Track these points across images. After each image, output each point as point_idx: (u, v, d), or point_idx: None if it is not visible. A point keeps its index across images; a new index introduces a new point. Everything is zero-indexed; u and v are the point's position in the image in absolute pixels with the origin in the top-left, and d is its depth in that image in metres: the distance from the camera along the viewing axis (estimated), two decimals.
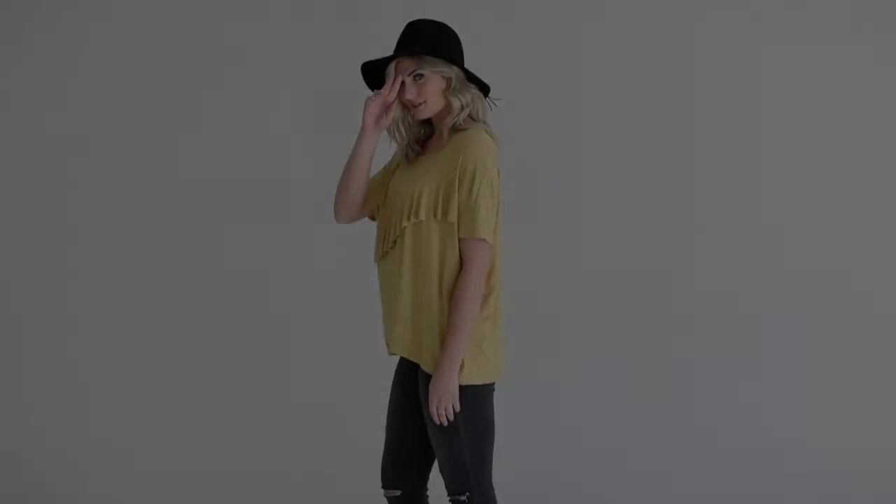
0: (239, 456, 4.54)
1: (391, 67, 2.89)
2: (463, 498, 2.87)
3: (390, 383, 3.07)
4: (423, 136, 3.02)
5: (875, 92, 4.55)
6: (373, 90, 2.98)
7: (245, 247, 4.60)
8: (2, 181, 4.62)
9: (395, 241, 2.91)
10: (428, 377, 2.85)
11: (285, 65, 4.58)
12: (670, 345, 4.56)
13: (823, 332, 4.54)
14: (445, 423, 2.81)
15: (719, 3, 4.57)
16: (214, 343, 4.61)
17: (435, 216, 2.84)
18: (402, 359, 3.02)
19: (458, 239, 2.83)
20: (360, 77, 2.99)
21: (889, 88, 4.54)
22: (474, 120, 2.91)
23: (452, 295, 2.81)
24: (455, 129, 2.90)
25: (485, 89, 2.94)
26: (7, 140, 4.62)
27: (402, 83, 2.89)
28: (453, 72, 2.88)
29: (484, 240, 2.81)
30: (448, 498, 2.92)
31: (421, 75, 2.86)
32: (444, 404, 2.80)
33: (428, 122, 3.00)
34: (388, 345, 2.98)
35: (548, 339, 4.53)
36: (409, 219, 2.86)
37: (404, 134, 2.98)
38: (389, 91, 2.90)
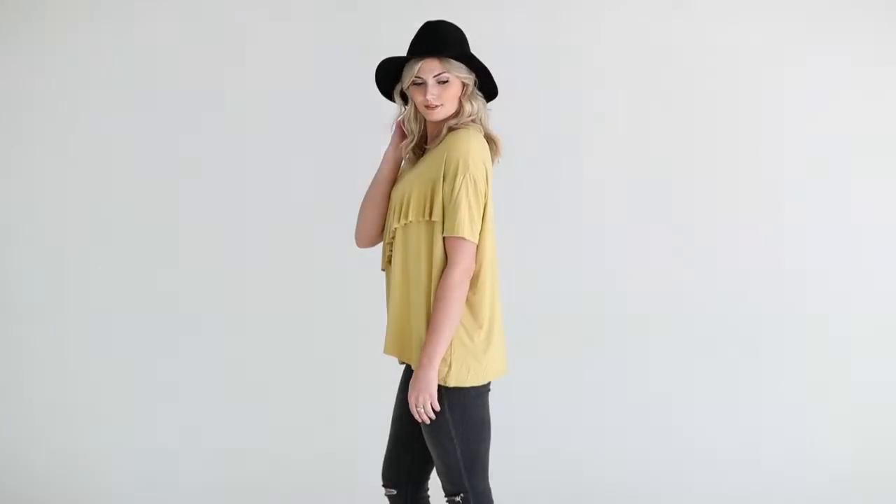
0: (239, 456, 4.55)
1: (416, 67, 2.87)
2: (458, 499, 2.88)
3: (387, 384, 3.08)
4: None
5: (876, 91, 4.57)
6: (380, 85, 2.98)
7: (247, 247, 4.60)
8: (3, 181, 4.64)
9: (390, 244, 2.92)
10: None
11: (284, 67, 4.59)
12: (670, 345, 4.56)
13: (823, 333, 4.55)
14: (427, 421, 2.82)
15: (721, 3, 4.58)
16: (215, 344, 4.61)
17: (423, 216, 2.85)
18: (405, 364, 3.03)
19: (443, 237, 2.83)
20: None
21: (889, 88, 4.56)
22: (474, 123, 2.93)
23: (434, 295, 2.80)
24: (450, 130, 2.91)
25: (493, 94, 2.97)
26: (9, 141, 4.64)
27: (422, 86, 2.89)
28: (472, 77, 2.90)
29: (464, 238, 2.80)
30: (445, 498, 2.92)
31: (446, 79, 2.87)
32: (421, 402, 2.79)
33: (424, 123, 2.99)
34: (385, 345, 3.00)
35: (548, 340, 4.52)
36: (398, 220, 2.88)
37: (414, 129, 2.98)
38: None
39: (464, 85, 2.90)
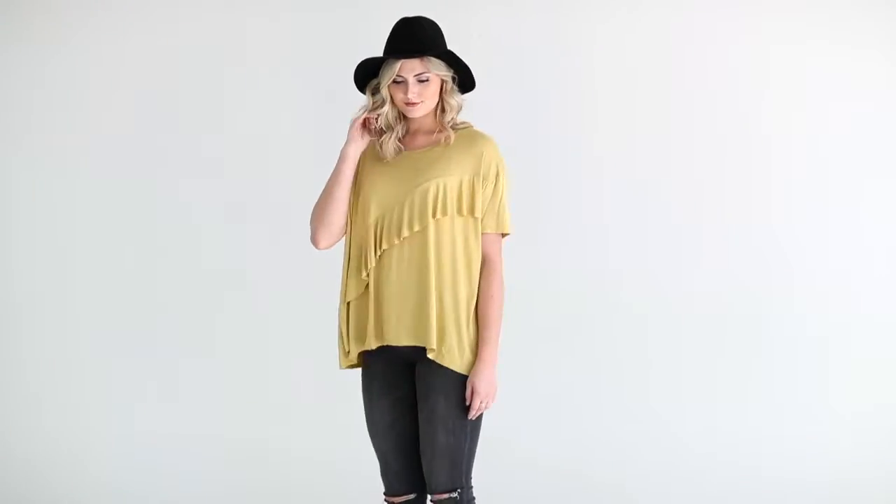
0: (240, 455, 4.56)
1: (396, 66, 2.87)
2: (455, 495, 2.87)
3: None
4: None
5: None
6: (357, 83, 2.98)
7: (245, 246, 4.61)
8: (4, 181, 4.66)
9: (402, 238, 2.89)
10: (439, 371, 2.84)
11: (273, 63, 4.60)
12: (671, 346, 4.54)
13: (824, 334, 4.53)
14: (473, 417, 2.86)
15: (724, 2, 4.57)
16: (217, 344, 4.62)
17: (459, 212, 2.89)
18: (380, 369, 2.97)
19: (482, 234, 2.91)
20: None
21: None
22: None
23: (483, 291, 2.89)
24: (454, 127, 2.94)
25: (468, 87, 2.97)
26: (10, 141, 4.66)
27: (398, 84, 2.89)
28: (450, 74, 2.92)
29: (507, 235, 2.95)
30: (432, 497, 2.90)
31: (427, 78, 2.88)
32: (489, 399, 2.87)
33: (403, 118, 2.97)
34: (375, 339, 2.93)
35: (547, 339, 4.52)
36: (434, 215, 2.87)
37: (395, 125, 2.95)
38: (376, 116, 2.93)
39: (443, 81, 2.91)
